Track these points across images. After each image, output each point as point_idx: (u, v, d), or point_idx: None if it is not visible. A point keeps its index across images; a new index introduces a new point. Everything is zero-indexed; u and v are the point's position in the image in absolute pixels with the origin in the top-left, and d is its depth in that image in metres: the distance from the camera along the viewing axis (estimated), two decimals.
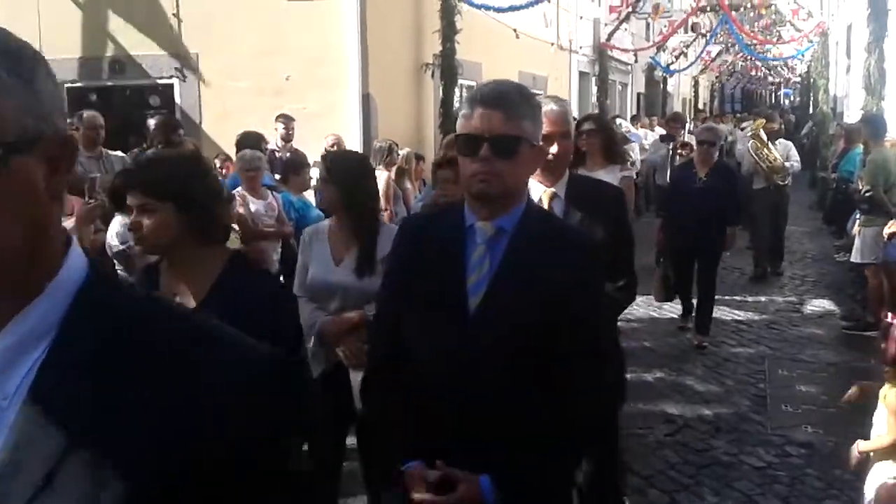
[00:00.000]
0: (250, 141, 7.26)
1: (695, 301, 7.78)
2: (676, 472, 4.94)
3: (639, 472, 4.92)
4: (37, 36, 9.54)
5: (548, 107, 3.16)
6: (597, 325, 2.20)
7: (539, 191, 3.20)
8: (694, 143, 9.52)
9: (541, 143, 2.18)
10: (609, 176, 4.85)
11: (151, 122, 7.94)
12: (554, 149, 3.16)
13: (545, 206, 3.18)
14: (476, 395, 2.04)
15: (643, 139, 15.12)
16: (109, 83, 9.82)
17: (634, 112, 22.42)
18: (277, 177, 7.35)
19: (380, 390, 2.33)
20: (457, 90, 10.95)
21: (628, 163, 11.91)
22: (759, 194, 10.30)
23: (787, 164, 10.19)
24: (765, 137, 10.16)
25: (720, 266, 8.07)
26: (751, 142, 10.39)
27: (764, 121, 10.74)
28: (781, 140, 10.68)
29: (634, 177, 5.85)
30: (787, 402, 6.13)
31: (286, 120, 8.38)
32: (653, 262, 8.29)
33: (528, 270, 2.08)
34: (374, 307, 2.69)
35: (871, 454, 3.66)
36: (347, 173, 3.59)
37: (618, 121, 11.83)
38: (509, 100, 2.05)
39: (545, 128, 2.94)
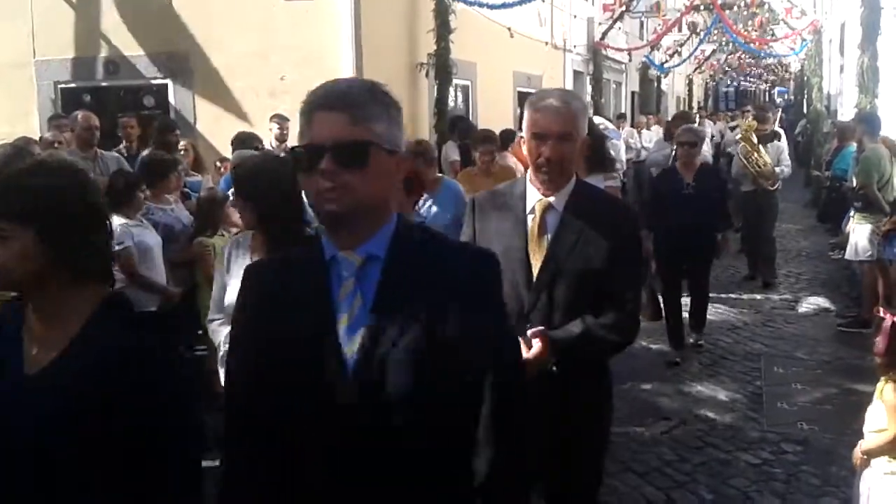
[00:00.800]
0: (242, 141, 7.26)
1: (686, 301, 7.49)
2: (672, 469, 4.95)
3: (635, 469, 4.93)
4: (30, 36, 9.53)
5: (543, 102, 2.82)
6: (503, 356, 1.84)
7: (534, 199, 2.89)
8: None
9: (402, 148, 1.81)
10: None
11: (125, 121, 7.93)
12: (546, 152, 2.79)
13: (537, 217, 2.87)
14: (371, 466, 1.69)
15: (633, 139, 14.74)
16: (103, 84, 9.79)
17: (627, 111, 22.44)
18: None
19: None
20: (451, 89, 10.95)
21: (618, 170, 11.70)
22: (746, 197, 10.03)
23: (776, 169, 9.72)
24: (755, 140, 9.66)
25: (715, 264, 8.03)
26: (740, 145, 9.97)
27: (755, 123, 10.09)
28: (775, 142, 10.09)
29: (620, 185, 5.61)
30: (783, 399, 6.14)
31: (280, 120, 8.36)
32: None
33: (410, 301, 1.73)
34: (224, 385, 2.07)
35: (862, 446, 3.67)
36: (257, 189, 3.29)
37: (596, 119, 11.42)
38: (353, 100, 1.74)
39: (538, 127, 2.81)
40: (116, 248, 4.86)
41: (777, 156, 9.83)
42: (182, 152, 7.18)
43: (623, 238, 2.82)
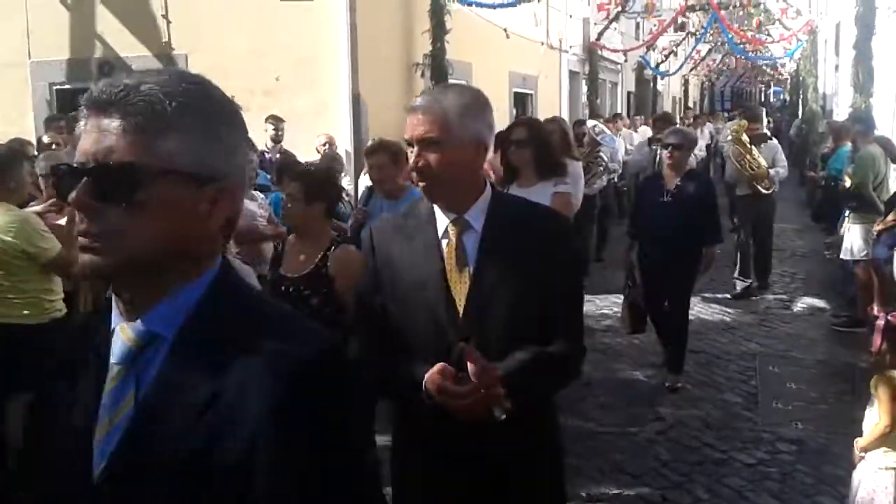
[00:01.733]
0: None
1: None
2: (668, 469, 4.95)
3: (630, 470, 4.93)
4: (25, 37, 9.53)
5: (413, 101, 2.31)
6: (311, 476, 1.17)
7: (444, 223, 2.36)
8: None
9: (223, 175, 1.24)
10: (542, 194, 4.50)
11: None
12: (411, 161, 2.29)
13: (453, 240, 2.34)
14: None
15: (624, 141, 14.15)
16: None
17: (622, 111, 22.46)
18: (269, 176, 7.35)
19: None
20: None
21: (614, 172, 11.21)
22: (742, 202, 9.62)
23: (772, 171, 9.18)
24: (747, 141, 9.08)
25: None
26: (732, 147, 9.35)
27: (746, 123, 9.46)
28: (769, 143, 9.55)
29: (570, 193, 5.04)
30: (778, 399, 6.15)
31: (276, 121, 8.37)
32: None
33: (183, 403, 1.18)
34: None
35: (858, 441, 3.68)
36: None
37: (588, 122, 10.88)
38: (134, 102, 1.18)
39: (406, 131, 2.29)
40: None
41: (772, 156, 9.32)
42: None
43: (558, 251, 2.36)
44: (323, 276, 3.77)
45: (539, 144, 4.85)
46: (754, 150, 9.07)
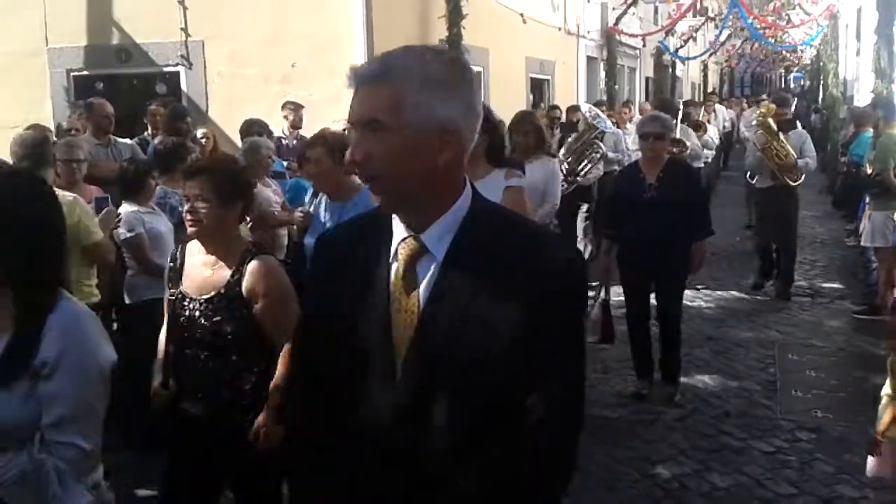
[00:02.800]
0: (254, 129, 7.26)
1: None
2: (686, 457, 4.93)
3: (648, 457, 4.92)
4: (43, 24, 9.54)
5: (362, 68, 1.66)
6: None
7: (400, 235, 1.72)
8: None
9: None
10: (494, 187, 4.12)
11: (152, 108, 7.96)
12: (352, 151, 1.65)
13: (400, 267, 1.68)
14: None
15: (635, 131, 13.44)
16: (116, 71, 9.80)
17: (641, 97, 22.28)
18: (285, 163, 7.36)
19: None
20: None
21: (612, 160, 10.25)
22: (762, 195, 8.75)
23: (800, 161, 8.24)
24: (774, 127, 8.15)
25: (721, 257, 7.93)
26: (757, 132, 8.35)
27: (774, 106, 8.50)
28: (797, 130, 8.68)
29: (524, 186, 4.50)
30: (798, 387, 6.10)
31: (295, 107, 8.36)
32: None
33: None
34: None
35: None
36: None
37: (584, 107, 10.09)
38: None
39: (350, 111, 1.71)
40: (128, 235, 4.88)
41: (799, 145, 8.33)
42: (203, 140, 7.19)
43: (557, 298, 1.62)
44: (236, 296, 3.11)
45: (491, 134, 4.33)
46: (781, 137, 8.17)
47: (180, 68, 9.50)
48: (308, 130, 8.28)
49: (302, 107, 8.36)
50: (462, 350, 1.60)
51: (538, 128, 6.10)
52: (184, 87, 9.55)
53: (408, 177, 1.62)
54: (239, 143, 7.36)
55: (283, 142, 8.10)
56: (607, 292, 6.00)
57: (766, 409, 5.67)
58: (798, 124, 9.96)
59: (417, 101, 1.58)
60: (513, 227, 1.74)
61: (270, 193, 6.09)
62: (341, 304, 1.73)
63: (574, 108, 10.66)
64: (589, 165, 9.03)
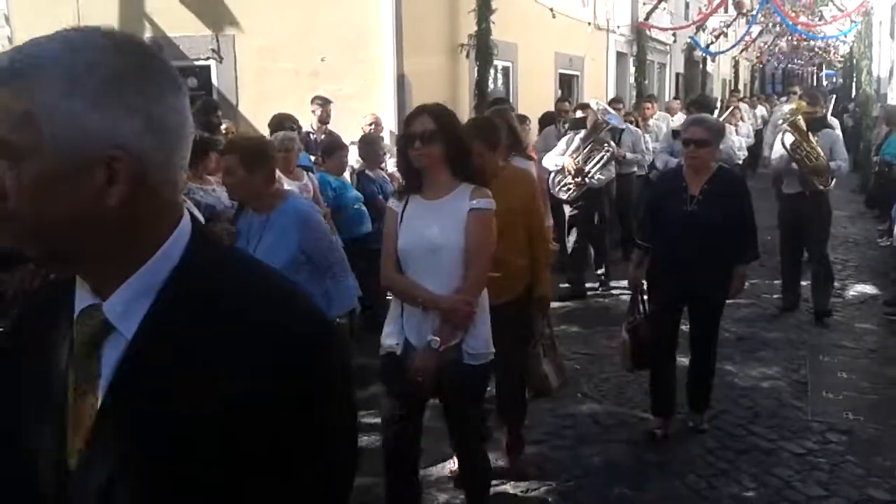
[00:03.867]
0: (282, 123, 7.29)
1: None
2: (714, 457, 4.89)
3: (676, 456, 4.88)
4: (75, 17, 9.63)
5: None
6: None
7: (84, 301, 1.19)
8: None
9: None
10: (456, 208, 3.45)
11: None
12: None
13: (77, 351, 1.18)
14: None
15: (657, 130, 11.78)
16: None
17: (670, 93, 22.12)
18: (312, 158, 7.38)
19: None
20: (492, 71, 10.87)
21: (637, 160, 9.62)
22: (789, 202, 7.74)
23: (832, 164, 7.42)
24: (804, 127, 7.28)
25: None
26: (786, 133, 7.44)
27: (804, 103, 7.61)
28: (827, 130, 7.80)
29: (492, 209, 3.55)
30: (828, 388, 6.04)
31: (323, 102, 8.39)
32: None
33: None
34: None
35: None
36: None
37: (593, 102, 9.05)
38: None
39: None
40: None
41: (829, 146, 7.52)
42: (225, 134, 7.23)
43: (282, 397, 1.08)
44: None
45: (451, 138, 3.46)
46: (811, 138, 7.37)
47: (211, 62, 9.57)
48: (336, 125, 8.32)
49: (330, 102, 8.38)
50: (143, 458, 1.08)
51: (511, 126, 5.29)
52: (214, 81, 9.61)
53: (57, 222, 1.08)
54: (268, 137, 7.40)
55: (312, 136, 8.13)
56: (638, 312, 5.26)
57: (797, 411, 5.61)
58: (836, 122, 9.43)
59: (64, 111, 1.05)
60: (239, 295, 1.14)
61: (295, 187, 6.10)
62: (11, 413, 1.20)
63: (584, 105, 9.79)
64: (598, 166, 8.44)
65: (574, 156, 8.38)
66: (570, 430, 5.29)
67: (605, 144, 8.50)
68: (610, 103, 10.49)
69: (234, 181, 3.97)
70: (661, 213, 5.09)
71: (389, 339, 3.58)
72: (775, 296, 8.46)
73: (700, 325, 5.24)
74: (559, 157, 8.46)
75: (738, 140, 11.62)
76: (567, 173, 8.38)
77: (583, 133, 8.49)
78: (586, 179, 8.39)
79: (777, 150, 7.65)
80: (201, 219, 5.34)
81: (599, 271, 9.06)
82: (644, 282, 5.23)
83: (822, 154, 7.32)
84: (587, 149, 8.41)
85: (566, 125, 9.67)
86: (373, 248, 5.46)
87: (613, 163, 8.85)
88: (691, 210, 4.89)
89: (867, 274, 9.65)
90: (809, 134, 7.35)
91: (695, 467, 4.76)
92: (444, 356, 3.42)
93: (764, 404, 5.72)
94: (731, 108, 13.44)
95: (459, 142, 3.53)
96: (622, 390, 5.84)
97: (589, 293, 8.76)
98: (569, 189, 8.41)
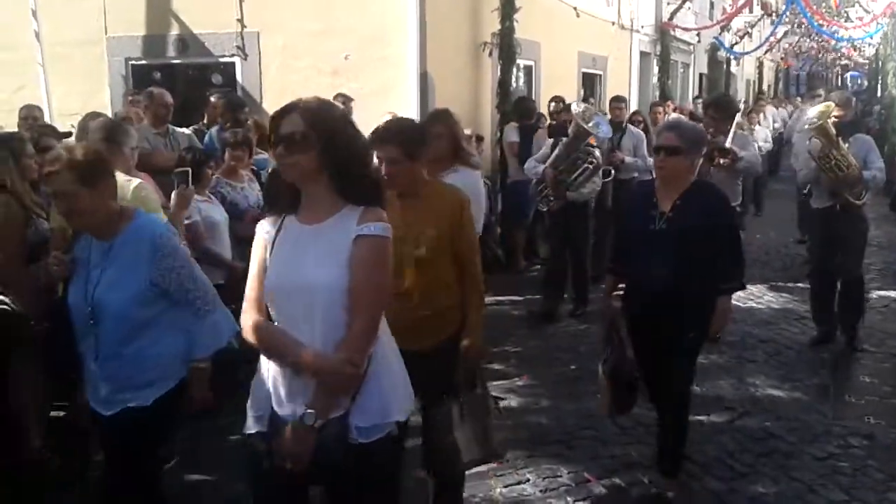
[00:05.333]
0: None
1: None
2: (734, 459, 4.87)
3: (696, 459, 4.86)
4: (101, 13, 9.72)
5: None
6: None
7: None
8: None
9: None
10: (336, 232, 2.64)
11: (213, 99, 8.07)
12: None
13: None
14: None
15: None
16: (173, 61, 9.95)
17: (694, 93, 21.98)
18: None
19: None
20: (515, 70, 10.86)
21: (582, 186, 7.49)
22: (821, 218, 6.84)
23: (866, 173, 6.51)
24: (834, 132, 6.38)
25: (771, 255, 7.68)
26: (813, 140, 6.55)
27: (833, 105, 6.61)
28: (859, 136, 6.94)
29: (388, 236, 2.80)
30: (851, 392, 6.00)
31: (345, 99, 8.41)
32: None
33: None
34: None
35: None
36: None
37: (574, 106, 7.79)
38: None
39: None
40: (185, 222, 4.97)
41: (863, 154, 6.62)
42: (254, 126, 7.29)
43: None
44: None
45: (331, 144, 2.61)
46: (841, 145, 6.46)
47: (236, 59, 9.62)
48: (359, 122, 8.32)
49: (351, 99, 8.41)
50: None
51: (454, 134, 4.50)
52: (239, 77, 9.66)
53: None
54: None
55: None
56: (613, 350, 4.46)
57: (819, 415, 5.57)
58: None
59: None
60: None
61: None
62: None
63: (566, 109, 8.71)
64: (581, 178, 7.46)
65: (556, 164, 7.46)
66: (589, 430, 5.29)
67: (589, 155, 7.43)
68: (611, 102, 9.87)
69: (69, 207, 3.20)
70: (629, 233, 4.47)
71: (251, 418, 2.78)
72: (798, 297, 8.39)
73: (670, 371, 4.34)
74: (540, 165, 7.64)
75: (764, 133, 11.52)
76: (546, 183, 7.58)
77: (565, 140, 7.56)
78: (567, 192, 7.50)
79: (803, 158, 6.80)
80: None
81: (577, 295, 8.12)
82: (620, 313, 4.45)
83: (853, 163, 6.40)
84: (570, 158, 7.44)
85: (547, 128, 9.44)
86: None
87: (601, 175, 7.79)
88: (660, 229, 4.18)
89: (891, 277, 9.56)
90: (840, 140, 6.44)
91: (714, 470, 4.74)
92: (323, 434, 2.57)
93: (785, 407, 5.69)
94: (751, 110, 13.10)
95: (343, 149, 2.63)
96: (641, 391, 5.82)
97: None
98: (549, 201, 7.64)
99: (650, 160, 7.66)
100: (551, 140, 7.96)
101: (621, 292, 4.43)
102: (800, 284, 8.95)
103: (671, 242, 4.13)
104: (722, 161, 6.19)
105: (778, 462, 4.85)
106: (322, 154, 2.58)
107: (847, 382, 6.19)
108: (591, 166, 7.43)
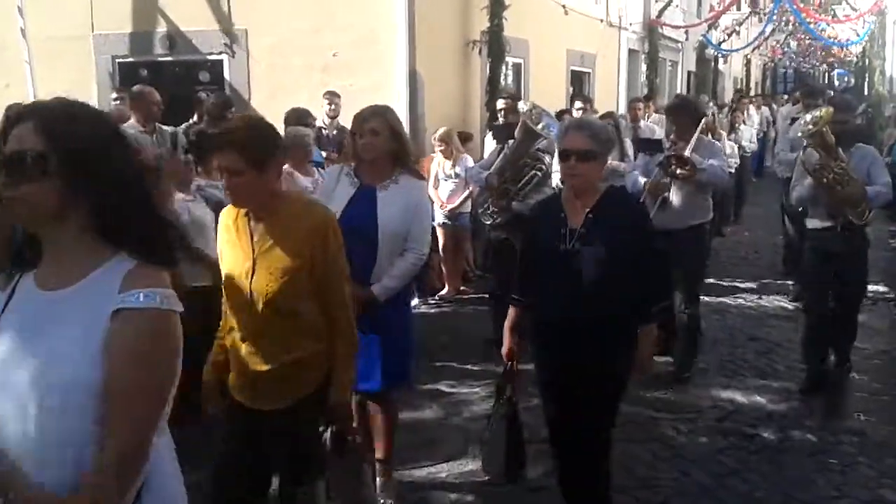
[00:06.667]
0: (297, 117, 7.29)
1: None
2: (725, 456, 4.89)
3: (686, 456, 4.87)
4: (88, 10, 9.66)
5: None
6: None
7: None
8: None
9: None
10: (88, 302, 1.72)
11: (202, 96, 8.03)
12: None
13: None
14: None
15: (653, 130, 10.02)
16: (160, 58, 9.90)
17: (685, 92, 22.01)
18: (324, 154, 7.38)
19: None
20: (504, 68, 10.85)
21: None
22: (819, 240, 5.81)
23: (870, 189, 5.54)
24: (833, 142, 5.46)
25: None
26: (808, 150, 5.69)
27: (832, 110, 5.58)
28: (862, 146, 5.91)
29: (170, 307, 1.81)
30: (840, 389, 6.01)
31: (331, 96, 8.41)
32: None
33: None
34: None
35: None
36: None
37: (521, 105, 6.86)
38: None
39: None
40: None
41: (866, 167, 5.68)
42: None
43: None
44: None
45: (85, 170, 1.73)
46: (842, 155, 5.55)
47: (223, 56, 9.58)
48: (347, 120, 8.29)
49: (338, 96, 8.40)
50: None
51: (393, 130, 3.91)
52: (227, 75, 9.63)
53: None
54: (281, 132, 7.41)
55: (324, 132, 8.14)
56: (509, 400, 3.80)
57: (808, 411, 5.58)
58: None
59: None
60: None
61: (308, 183, 6.11)
62: None
63: (511, 106, 7.37)
64: (528, 187, 6.31)
65: (501, 171, 6.42)
66: None
67: (538, 161, 6.36)
68: (572, 100, 9.09)
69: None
70: (534, 255, 3.70)
71: None
72: (785, 295, 8.42)
73: (582, 422, 3.58)
74: (484, 172, 6.59)
75: (730, 146, 10.20)
76: (490, 193, 6.51)
77: (509, 147, 6.51)
78: (512, 204, 6.36)
79: (798, 172, 5.90)
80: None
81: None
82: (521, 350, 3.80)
83: (854, 177, 5.50)
84: (518, 164, 6.35)
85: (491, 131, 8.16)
86: None
87: (552, 185, 6.43)
88: (571, 249, 3.46)
89: (879, 275, 9.57)
90: (839, 150, 5.54)
91: (706, 467, 4.75)
92: None
93: (775, 404, 5.70)
94: (735, 109, 12.61)
95: (106, 175, 1.75)
96: (634, 389, 5.82)
97: None
98: (493, 213, 6.51)
99: (613, 162, 7.28)
100: (498, 145, 6.93)
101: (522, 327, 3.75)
102: (788, 282, 8.99)
103: (584, 264, 3.43)
104: (679, 172, 5.75)
105: (768, 458, 4.86)
106: (68, 183, 1.70)
107: (837, 380, 6.20)
108: (539, 174, 6.30)
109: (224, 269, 3.11)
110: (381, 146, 3.85)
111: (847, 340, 6.20)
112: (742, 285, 8.70)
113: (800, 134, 5.90)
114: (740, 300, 8.37)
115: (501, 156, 6.57)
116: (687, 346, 6.12)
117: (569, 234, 3.48)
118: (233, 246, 3.07)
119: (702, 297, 8.22)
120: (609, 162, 7.19)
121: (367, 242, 3.80)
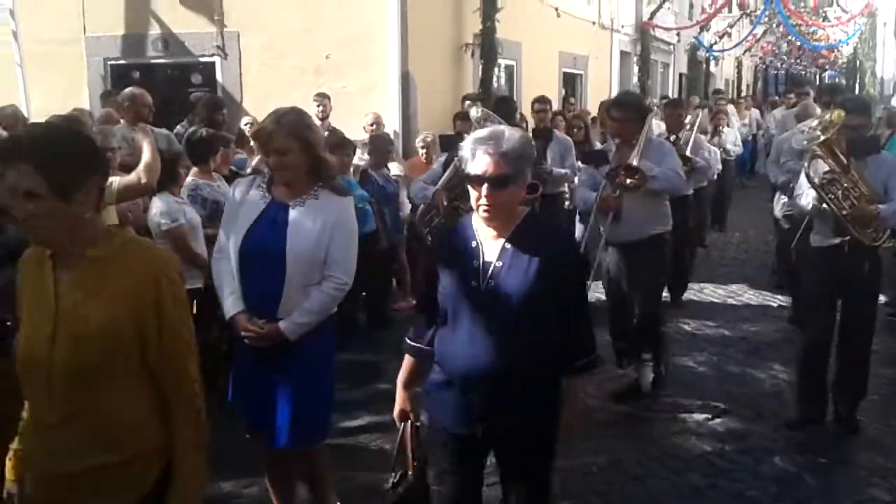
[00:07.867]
0: None
1: None
2: (716, 456, 4.90)
3: (678, 455, 4.89)
4: (80, 12, 9.66)
5: None
6: None
7: None
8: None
9: None
10: None
11: (198, 95, 8.04)
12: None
13: None
14: None
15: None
16: (152, 60, 9.90)
17: (673, 93, 22.06)
18: None
19: None
20: (496, 70, 10.88)
21: None
22: (827, 261, 5.05)
23: (882, 208, 4.75)
24: (844, 151, 4.78)
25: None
26: (815, 160, 4.87)
27: (843, 113, 4.80)
28: (879, 156, 5.10)
29: None
30: (831, 388, 6.03)
31: (321, 98, 8.43)
32: None
33: None
34: None
35: None
36: None
37: (473, 111, 6.67)
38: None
39: None
40: (171, 225, 4.93)
41: (884, 180, 4.88)
42: (247, 128, 7.30)
43: None
44: None
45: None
46: (854, 167, 4.81)
47: (216, 58, 9.59)
48: (340, 123, 8.33)
49: (328, 97, 8.42)
50: None
51: (306, 141, 3.41)
52: (219, 77, 9.63)
53: None
54: None
55: None
56: (408, 464, 3.14)
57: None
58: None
59: None
60: None
61: None
62: None
63: (461, 114, 7.12)
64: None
65: (449, 185, 5.97)
66: None
67: None
68: (533, 104, 8.31)
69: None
70: (442, 294, 2.92)
71: None
72: (777, 295, 8.43)
73: (511, 490, 3.00)
74: (430, 187, 6.17)
75: (714, 151, 9.62)
76: (437, 210, 6.07)
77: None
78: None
79: (802, 184, 5.08)
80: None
81: None
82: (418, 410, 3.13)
83: (865, 193, 4.77)
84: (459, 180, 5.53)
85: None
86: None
87: None
88: (486, 288, 2.80)
89: None
90: (852, 161, 4.81)
91: (697, 466, 4.77)
92: None
93: (766, 403, 5.72)
94: (716, 112, 12.06)
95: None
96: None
97: None
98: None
99: (557, 170, 7.29)
100: (444, 158, 6.40)
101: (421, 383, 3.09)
102: (779, 287, 9.01)
103: (500, 305, 2.78)
104: (629, 182, 5.27)
105: (759, 458, 4.88)
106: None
107: (827, 378, 6.22)
108: None
109: (21, 333, 2.23)
110: (292, 164, 3.33)
111: (856, 394, 5.28)
112: (732, 286, 8.72)
113: (805, 143, 5.29)
114: (730, 300, 8.40)
115: (451, 168, 5.97)
116: (655, 348, 5.87)
117: (483, 270, 2.82)
118: (33, 300, 2.21)
119: (692, 298, 8.33)
120: (553, 170, 7.29)
121: (273, 267, 3.27)
